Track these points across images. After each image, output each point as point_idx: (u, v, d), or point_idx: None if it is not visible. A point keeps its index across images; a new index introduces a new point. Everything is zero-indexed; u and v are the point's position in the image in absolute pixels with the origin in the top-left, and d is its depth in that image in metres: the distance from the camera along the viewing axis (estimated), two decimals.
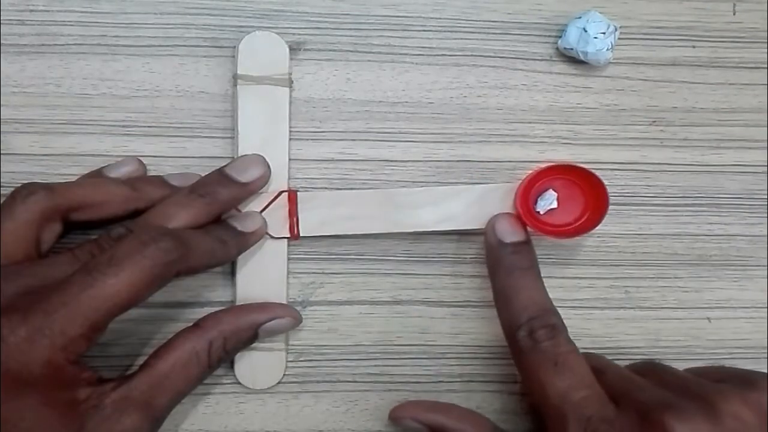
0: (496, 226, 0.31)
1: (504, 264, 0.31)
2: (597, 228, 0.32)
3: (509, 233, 0.31)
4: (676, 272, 0.35)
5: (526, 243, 0.31)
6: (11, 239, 0.27)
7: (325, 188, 0.33)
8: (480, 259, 0.34)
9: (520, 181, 0.32)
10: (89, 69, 0.32)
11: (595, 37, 0.32)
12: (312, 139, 0.33)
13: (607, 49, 0.33)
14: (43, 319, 0.24)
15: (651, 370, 0.29)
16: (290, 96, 0.32)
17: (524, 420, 0.34)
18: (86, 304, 0.24)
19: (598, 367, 0.29)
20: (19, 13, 0.32)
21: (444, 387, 0.34)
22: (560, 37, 0.33)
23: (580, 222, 0.32)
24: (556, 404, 0.27)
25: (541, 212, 0.32)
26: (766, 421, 0.25)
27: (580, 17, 0.33)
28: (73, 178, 0.31)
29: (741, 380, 0.27)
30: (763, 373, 0.27)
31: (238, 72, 0.31)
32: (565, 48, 0.33)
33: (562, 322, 0.29)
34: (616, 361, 0.31)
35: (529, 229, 0.32)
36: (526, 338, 0.28)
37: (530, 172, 0.32)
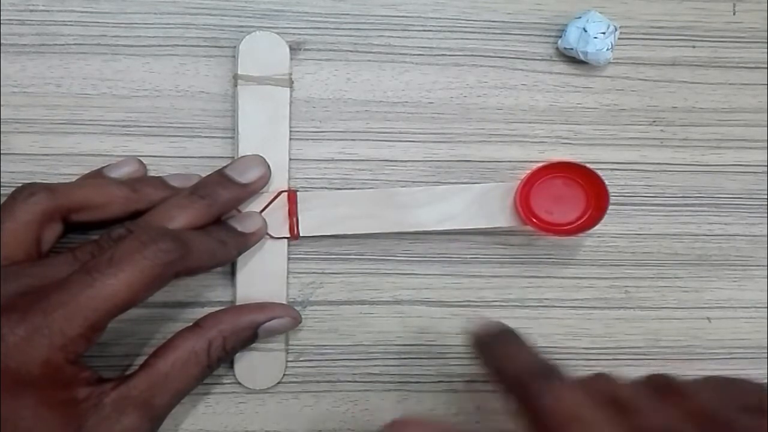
0: (475, 331, 0.27)
1: (491, 345, 0.27)
2: (597, 228, 0.32)
3: (487, 330, 0.27)
4: (676, 272, 0.35)
5: (508, 330, 0.27)
6: (12, 239, 0.27)
7: (325, 188, 0.33)
8: (480, 259, 0.34)
9: (520, 180, 0.32)
10: (89, 69, 0.32)
11: (595, 37, 0.32)
12: (312, 139, 0.33)
13: (607, 49, 0.33)
14: (42, 319, 0.24)
15: (665, 388, 0.25)
16: (290, 96, 0.32)
17: None
18: (85, 304, 0.24)
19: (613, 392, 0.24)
20: (19, 13, 0.32)
21: (444, 387, 0.34)
22: (560, 37, 0.33)
23: (581, 220, 0.32)
24: None
25: None
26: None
27: (579, 17, 0.33)
28: (74, 178, 0.31)
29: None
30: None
31: (239, 72, 0.31)
32: (565, 48, 0.33)
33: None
34: (616, 361, 0.31)
35: (529, 228, 0.32)
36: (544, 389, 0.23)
37: (530, 170, 0.32)
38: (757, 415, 0.23)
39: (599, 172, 0.31)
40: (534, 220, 0.32)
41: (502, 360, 0.26)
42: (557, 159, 0.33)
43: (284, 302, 0.32)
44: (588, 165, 0.32)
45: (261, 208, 0.31)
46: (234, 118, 0.32)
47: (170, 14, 0.32)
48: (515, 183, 0.32)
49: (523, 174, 0.32)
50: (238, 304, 0.32)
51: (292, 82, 0.32)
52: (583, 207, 0.32)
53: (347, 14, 0.33)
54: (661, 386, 0.25)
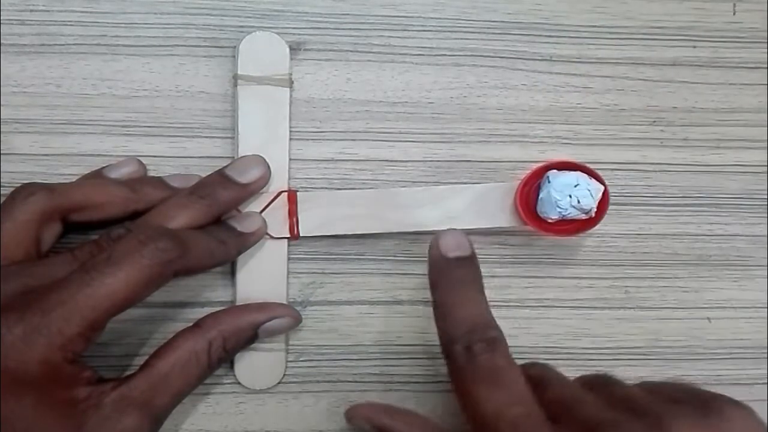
0: (440, 241, 0.29)
1: (446, 277, 0.29)
2: (597, 228, 0.32)
3: (453, 248, 0.29)
4: (676, 272, 0.35)
5: (471, 258, 0.29)
6: (11, 239, 0.27)
7: (325, 188, 0.33)
8: (480, 259, 0.34)
9: (520, 180, 0.32)
10: (89, 69, 0.32)
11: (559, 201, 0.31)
12: (312, 139, 0.33)
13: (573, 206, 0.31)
14: (40, 318, 0.24)
15: (600, 384, 0.27)
16: (290, 96, 0.32)
17: None
18: (84, 303, 0.24)
19: (543, 378, 0.27)
20: (19, 13, 0.32)
21: (444, 387, 0.34)
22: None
23: (581, 220, 0.32)
24: (490, 422, 0.25)
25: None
26: None
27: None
28: (73, 178, 0.31)
29: (699, 403, 0.24)
30: (724, 396, 0.25)
31: (239, 72, 0.31)
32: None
33: (502, 336, 0.27)
34: (616, 361, 0.31)
35: (529, 228, 0.32)
36: (462, 352, 0.26)
37: (530, 170, 0.32)
38: (679, 404, 0.24)
39: (599, 172, 0.31)
40: (534, 220, 0.32)
41: (447, 305, 0.28)
42: (557, 159, 0.33)
43: (284, 302, 0.32)
44: (588, 164, 0.32)
45: (261, 208, 0.31)
46: (234, 118, 0.32)
47: (170, 14, 0.32)
48: (515, 183, 0.32)
49: (523, 174, 0.32)
50: (238, 304, 0.32)
51: (292, 82, 0.32)
52: None
53: (347, 14, 0.33)
54: (591, 381, 0.28)
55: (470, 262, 0.29)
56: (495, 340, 0.27)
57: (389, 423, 0.29)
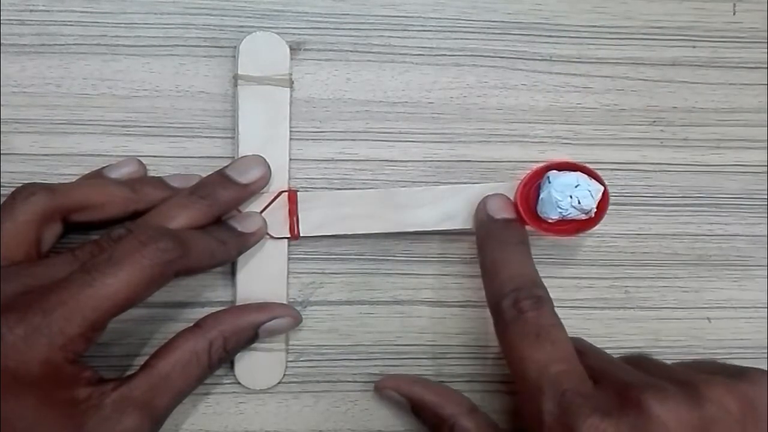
0: (488, 204, 0.31)
1: (494, 237, 0.30)
2: (597, 228, 0.32)
3: (500, 210, 0.31)
4: (676, 272, 0.35)
5: (516, 220, 0.31)
6: (11, 240, 0.27)
7: (325, 188, 0.33)
8: None
9: (520, 180, 0.32)
10: (89, 69, 0.32)
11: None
12: (312, 139, 0.33)
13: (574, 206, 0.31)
14: (41, 318, 0.24)
15: (638, 361, 0.29)
16: (291, 96, 0.32)
17: None
18: (85, 303, 0.24)
19: (580, 349, 0.28)
20: (19, 13, 0.32)
21: None
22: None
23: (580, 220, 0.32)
24: (533, 376, 0.26)
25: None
26: (749, 413, 0.25)
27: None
28: (73, 178, 0.31)
29: (732, 372, 0.27)
30: (759, 368, 0.27)
31: (239, 72, 0.31)
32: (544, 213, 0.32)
33: (549, 295, 0.29)
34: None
35: (529, 228, 0.32)
36: (510, 308, 0.28)
37: (530, 170, 0.32)
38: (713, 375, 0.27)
39: (599, 173, 0.31)
40: (534, 220, 0.32)
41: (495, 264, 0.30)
42: (557, 159, 0.33)
43: (284, 302, 0.32)
44: (588, 165, 0.32)
45: (261, 209, 0.31)
46: (234, 119, 0.32)
47: (170, 14, 0.32)
48: (515, 183, 0.32)
49: (523, 174, 0.32)
50: (238, 304, 0.32)
51: (293, 83, 0.32)
52: None
53: (347, 14, 0.33)
54: (629, 357, 0.30)
55: (517, 224, 0.31)
56: (541, 299, 0.28)
57: (420, 392, 0.31)
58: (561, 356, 0.27)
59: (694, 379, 0.26)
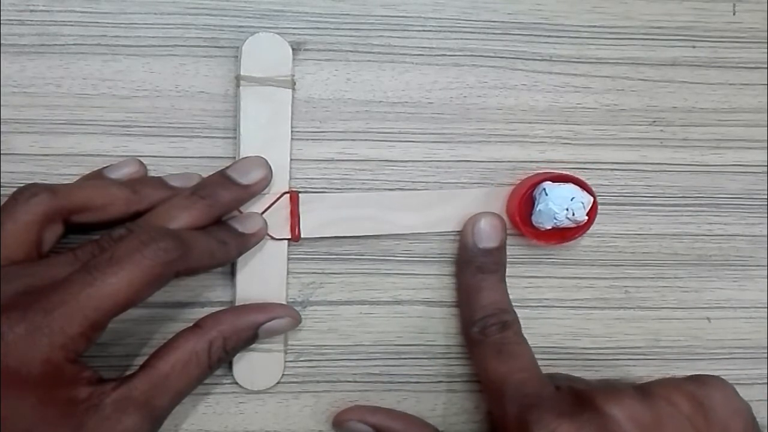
0: (475, 228, 0.32)
1: (472, 263, 0.32)
2: (597, 228, 0.32)
3: (486, 239, 0.32)
4: (676, 272, 0.35)
5: (499, 248, 0.32)
6: (12, 240, 0.27)
7: (325, 188, 0.33)
8: None
9: (512, 189, 0.32)
10: (89, 69, 0.32)
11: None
12: (312, 139, 0.33)
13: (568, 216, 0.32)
14: (42, 318, 0.24)
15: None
16: (293, 97, 0.32)
17: None
18: (86, 302, 0.24)
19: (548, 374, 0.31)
20: (19, 13, 0.32)
21: (444, 387, 0.34)
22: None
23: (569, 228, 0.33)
24: (496, 386, 0.29)
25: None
26: (697, 409, 0.27)
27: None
28: (74, 179, 0.31)
29: (681, 378, 0.29)
30: (708, 374, 0.29)
31: (241, 73, 0.31)
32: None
33: (516, 318, 0.31)
34: (616, 361, 0.32)
35: (528, 238, 0.32)
36: (477, 333, 0.31)
37: (522, 179, 0.32)
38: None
39: (599, 173, 0.32)
40: (527, 227, 0.32)
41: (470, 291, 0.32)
42: (557, 160, 0.34)
43: (284, 302, 0.32)
44: (588, 166, 0.32)
45: (263, 210, 0.31)
46: (235, 119, 0.32)
47: (170, 14, 0.32)
48: (508, 189, 0.33)
49: (515, 185, 0.32)
50: (238, 304, 0.32)
51: (295, 84, 0.32)
52: None
53: (347, 14, 0.33)
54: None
55: (498, 251, 0.32)
56: (507, 323, 0.31)
57: (385, 420, 0.32)
58: (522, 366, 0.29)
59: (646, 383, 0.28)
